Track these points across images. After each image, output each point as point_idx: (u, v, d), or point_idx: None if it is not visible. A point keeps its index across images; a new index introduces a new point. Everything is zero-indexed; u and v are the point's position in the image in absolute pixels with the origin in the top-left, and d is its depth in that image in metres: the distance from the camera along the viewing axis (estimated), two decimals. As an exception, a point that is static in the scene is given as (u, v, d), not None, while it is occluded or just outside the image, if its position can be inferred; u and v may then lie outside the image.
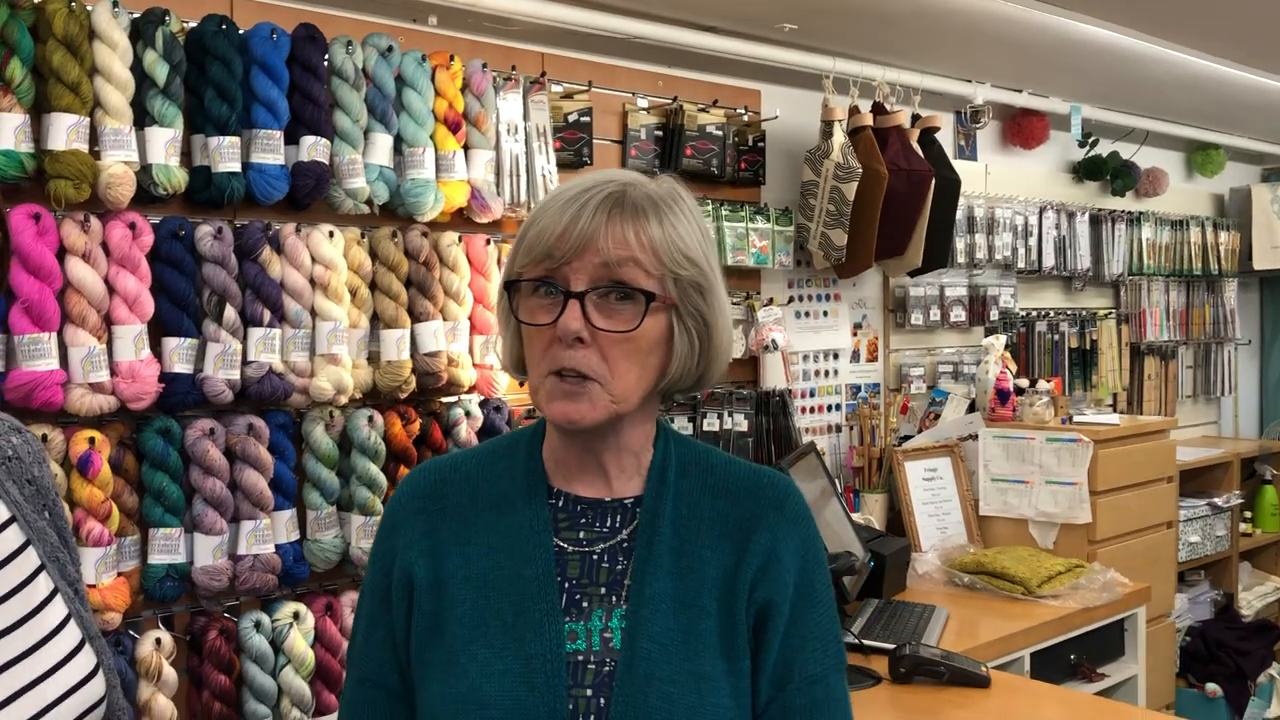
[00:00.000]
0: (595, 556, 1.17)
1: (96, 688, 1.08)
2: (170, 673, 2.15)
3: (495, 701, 1.11)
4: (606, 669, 1.12)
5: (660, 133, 3.17)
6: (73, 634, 1.08)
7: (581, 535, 1.18)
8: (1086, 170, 4.67)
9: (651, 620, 1.13)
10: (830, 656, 1.20)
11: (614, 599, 1.16)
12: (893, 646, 2.40)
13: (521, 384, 1.24)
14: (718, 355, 1.20)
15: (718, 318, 1.18)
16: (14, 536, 1.08)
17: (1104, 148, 4.70)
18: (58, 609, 1.08)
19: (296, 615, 2.31)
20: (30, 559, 1.08)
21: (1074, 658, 2.95)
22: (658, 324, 1.14)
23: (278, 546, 2.30)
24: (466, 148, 2.61)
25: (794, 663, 1.17)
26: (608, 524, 1.19)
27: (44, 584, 1.08)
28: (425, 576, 1.18)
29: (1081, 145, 4.62)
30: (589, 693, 1.12)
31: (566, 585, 1.16)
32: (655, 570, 1.15)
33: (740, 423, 3.26)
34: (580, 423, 1.13)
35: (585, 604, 1.15)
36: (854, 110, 3.49)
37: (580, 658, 1.13)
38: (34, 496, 1.13)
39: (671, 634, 1.13)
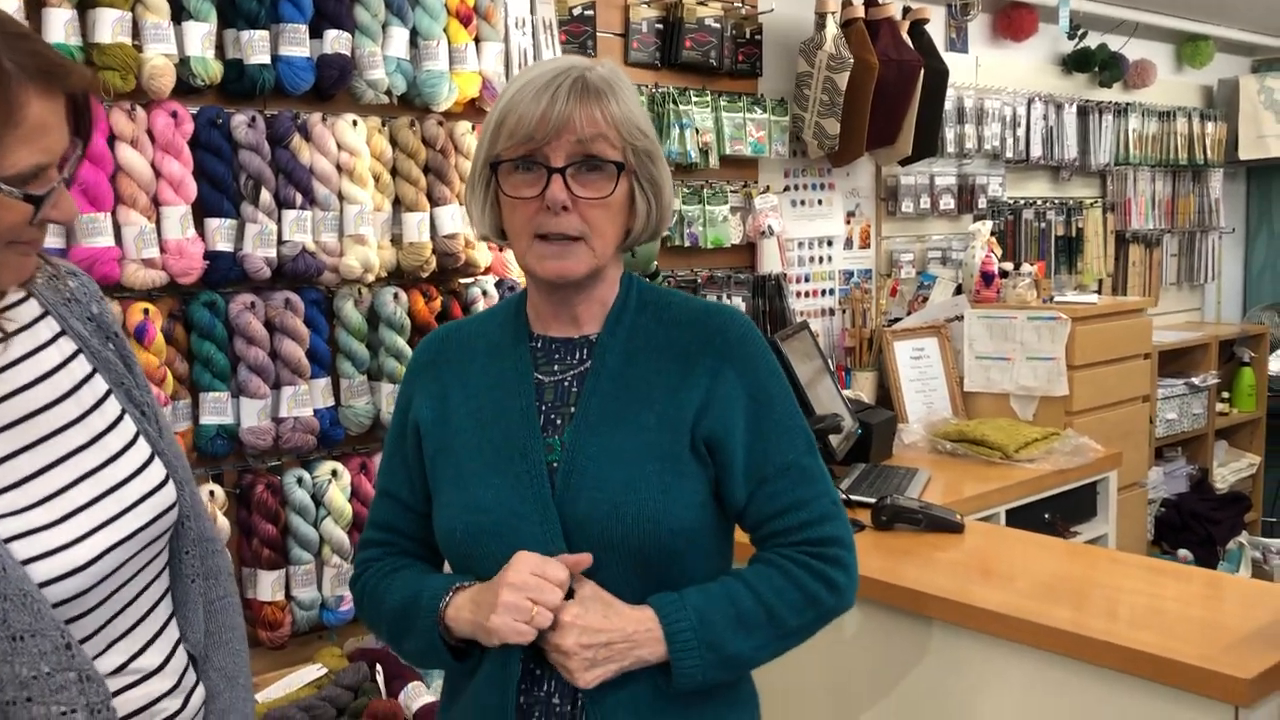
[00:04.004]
0: (566, 384, 1.41)
1: (169, 494, 1.25)
2: (223, 522, 2.38)
3: (492, 506, 1.36)
4: None
5: (661, 26, 3.30)
6: (143, 449, 1.25)
7: (556, 368, 1.42)
8: (1075, 62, 4.76)
9: (587, 435, 1.36)
10: (799, 444, 1.40)
11: None
12: (875, 500, 2.62)
13: (500, 248, 1.43)
14: (667, 209, 1.43)
15: (664, 179, 1.41)
16: (82, 366, 1.23)
17: (1093, 40, 4.77)
18: (128, 427, 1.25)
19: (334, 473, 2.54)
20: (98, 384, 1.24)
21: (1047, 516, 3.14)
22: (623, 188, 1.36)
23: (315, 411, 2.51)
24: (477, 40, 2.76)
25: (765, 458, 1.38)
26: (575, 357, 1.42)
27: (113, 406, 1.25)
28: (432, 415, 1.43)
29: (1070, 38, 4.69)
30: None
31: (544, 408, 1.40)
32: (598, 391, 1.38)
33: (738, 304, 3.45)
34: (569, 275, 1.35)
35: (559, 421, 1.39)
36: (847, 3, 3.59)
37: (556, 465, 1.36)
38: (96, 331, 1.27)
39: (604, 446, 1.35)
